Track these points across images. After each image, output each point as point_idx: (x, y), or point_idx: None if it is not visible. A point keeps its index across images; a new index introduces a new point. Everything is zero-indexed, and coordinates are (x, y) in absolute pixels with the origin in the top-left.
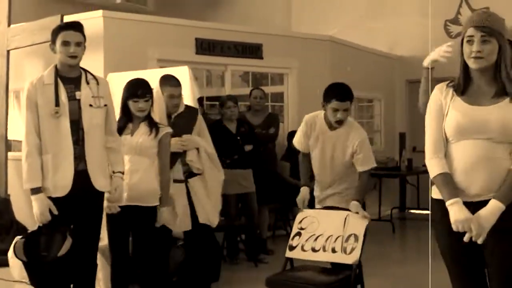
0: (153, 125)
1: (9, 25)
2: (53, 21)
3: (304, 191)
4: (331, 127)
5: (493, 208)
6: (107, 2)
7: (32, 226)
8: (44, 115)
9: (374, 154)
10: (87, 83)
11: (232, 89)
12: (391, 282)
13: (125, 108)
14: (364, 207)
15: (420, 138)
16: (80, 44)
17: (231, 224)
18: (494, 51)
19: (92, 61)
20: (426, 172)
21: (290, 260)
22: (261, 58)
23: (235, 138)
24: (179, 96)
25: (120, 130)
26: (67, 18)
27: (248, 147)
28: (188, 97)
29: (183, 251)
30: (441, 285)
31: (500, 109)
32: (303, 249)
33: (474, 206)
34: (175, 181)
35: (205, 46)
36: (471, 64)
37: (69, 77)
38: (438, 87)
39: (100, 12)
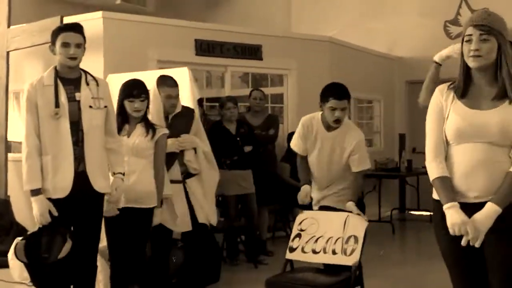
0: (150, 126)
1: (8, 26)
2: (53, 22)
3: (306, 188)
4: (328, 128)
5: (489, 211)
6: (107, 3)
7: (32, 228)
8: (44, 116)
9: (374, 155)
10: (87, 84)
11: (231, 90)
12: (391, 283)
13: (121, 109)
14: (364, 208)
15: (419, 139)
16: (80, 46)
17: (230, 225)
18: (493, 49)
19: (92, 62)
20: (425, 173)
21: (290, 261)
22: (261, 59)
23: (235, 139)
24: (177, 96)
25: (117, 131)
26: (67, 20)
27: (247, 148)
28: (188, 98)
29: (183, 253)
30: (441, 286)
31: (500, 112)
32: (303, 251)
33: (473, 208)
34: (173, 181)
35: (204, 47)
36: (470, 62)
37: (69, 78)
38: (439, 89)
39: (100, 13)
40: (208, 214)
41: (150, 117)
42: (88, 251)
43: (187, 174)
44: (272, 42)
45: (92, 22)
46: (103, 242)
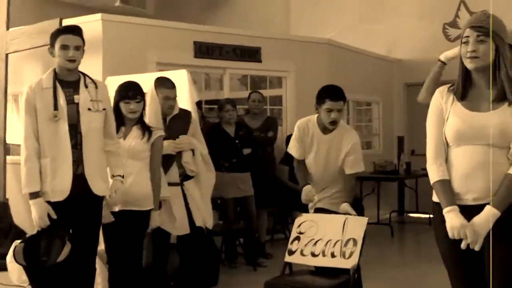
0: (146, 129)
1: (7, 28)
2: (52, 25)
3: (307, 187)
4: (324, 130)
5: (488, 214)
6: (106, 5)
7: (30, 231)
8: (43, 119)
9: (372, 157)
10: (86, 86)
11: (230, 92)
12: (390, 286)
13: (117, 111)
14: (363, 210)
15: (418, 141)
16: (79, 48)
17: (229, 228)
18: (490, 51)
19: (90, 64)
20: (424, 175)
21: (289, 264)
22: (260, 61)
23: (234, 141)
24: (174, 98)
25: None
26: (66, 22)
27: (246, 151)
28: (187, 101)
29: (179, 256)
30: None
31: (499, 114)
32: (302, 254)
33: (472, 210)
34: (171, 184)
35: (203, 50)
36: (468, 64)
37: (68, 81)
38: (439, 91)
39: (99, 16)
40: (205, 217)
41: (147, 119)
42: (86, 254)
43: (184, 177)
44: (271, 44)
45: (91, 24)
46: (101, 245)
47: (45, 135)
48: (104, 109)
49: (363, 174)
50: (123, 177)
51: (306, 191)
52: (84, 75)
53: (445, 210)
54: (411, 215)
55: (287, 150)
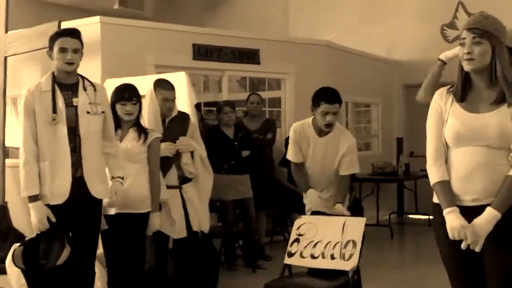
0: (142, 131)
1: (6, 31)
2: (51, 28)
3: (312, 192)
4: (320, 133)
5: (489, 216)
6: (104, 8)
7: (30, 234)
8: (42, 122)
9: (371, 159)
10: (85, 89)
11: (229, 94)
12: (389, 287)
13: (113, 113)
14: (362, 211)
15: (417, 142)
16: (78, 51)
17: (228, 230)
18: (486, 52)
19: (89, 67)
20: (423, 177)
21: (288, 266)
22: (258, 63)
23: (233, 143)
24: (173, 99)
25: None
26: (65, 25)
27: (245, 153)
28: (186, 103)
29: (172, 259)
30: None
31: (498, 115)
32: (302, 256)
33: (472, 211)
34: (170, 187)
35: (202, 52)
36: (465, 66)
37: (67, 84)
38: (438, 92)
39: (97, 18)
40: (201, 221)
41: (144, 121)
42: (86, 257)
43: (183, 180)
44: (270, 46)
45: (89, 27)
46: (101, 248)
47: (44, 138)
48: (102, 112)
49: (362, 176)
50: (122, 178)
51: (312, 194)
52: (83, 78)
53: (445, 211)
54: (410, 216)
55: (286, 151)
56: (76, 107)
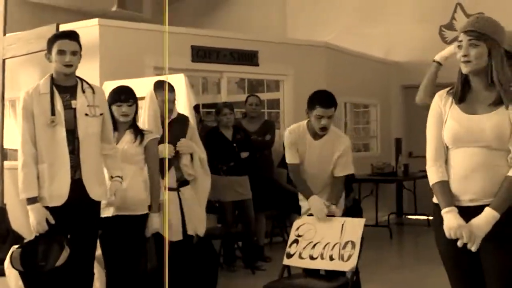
0: (138, 132)
1: (4, 34)
2: (49, 30)
3: (315, 199)
4: (315, 136)
5: (487, 216)
6: (103, 10)
7: (28, 236)
8: (40, 124)
9: (370, 159)
10: (83, 92)
11: (228, 96)
12: None
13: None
14: (361, 212)
15: (416, 143)
16: (76, 53)
17: (228, 232)
18: (483, 54)
19: (88, 69)
20: (422, 177)
21: (288, 267)
22: (257, 65)
23: (231, 145)
24: (173, 101)
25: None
26: (63, 27)
27: (244, 154)
28: (185, 105)
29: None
30: None
31: (496, 117)
32: (300, 257)
33: (470, 211)
34: (168, 189)
35: (201, 54)
36: (462, 68)
37: (65, 86)
38: (438, 94)
39: (96, 21)
40: (197, 224)
41: (143, 123)
42: (85, 258)
43: (181, 182)
44: (268, 48)
45: (88, 29)
46: (99, 250)
47: (42, 140)
48: (101, 114)
49: (361, 176)
50: (121, 178)
51: (317, 202)
52: (81, 80)
53: (443, 211)
54: (409, 217)
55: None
56: (75, 109)
